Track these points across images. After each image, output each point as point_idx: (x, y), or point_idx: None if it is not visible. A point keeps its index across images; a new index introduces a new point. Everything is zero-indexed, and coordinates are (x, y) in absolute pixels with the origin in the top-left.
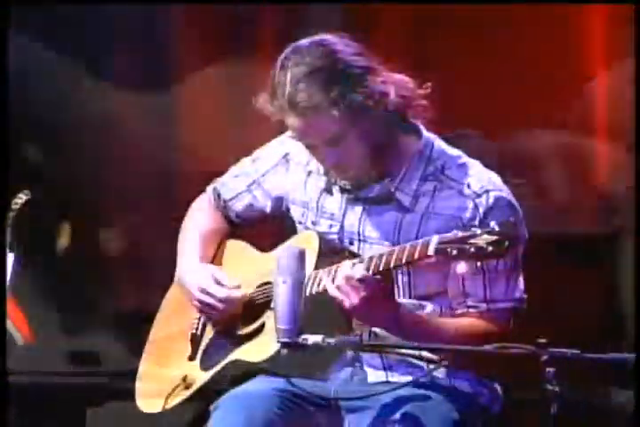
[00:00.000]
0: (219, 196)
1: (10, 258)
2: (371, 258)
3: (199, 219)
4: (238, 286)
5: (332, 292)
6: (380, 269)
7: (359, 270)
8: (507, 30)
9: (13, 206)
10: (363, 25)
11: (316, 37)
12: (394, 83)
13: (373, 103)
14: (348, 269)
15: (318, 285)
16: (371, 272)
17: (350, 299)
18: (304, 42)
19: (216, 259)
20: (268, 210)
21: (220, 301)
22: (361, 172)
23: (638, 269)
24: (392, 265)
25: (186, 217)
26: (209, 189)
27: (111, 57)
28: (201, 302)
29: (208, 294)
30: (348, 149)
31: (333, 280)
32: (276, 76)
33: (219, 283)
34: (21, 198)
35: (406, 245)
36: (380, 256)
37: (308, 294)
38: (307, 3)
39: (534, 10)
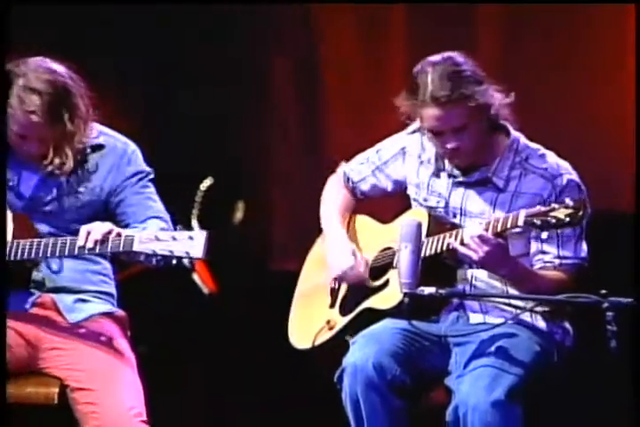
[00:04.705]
0: (348, 179)
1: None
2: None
3: (335, 196)
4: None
5: (462, 249)
6: None
7: (482, 231)
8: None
9: (201, 189)
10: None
11: (445, 54)
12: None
13: (491, 103)
14: (472, 231)
15: (431, 249)
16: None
17: (478, 253)
18: (436, 56)
19: (348, 230)
20: (389, 190)
21: (353, 268)
22: (470, 158)
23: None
24: (490, 233)
25: (324, 193)
26: (339, 171)
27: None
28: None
29: (349, 267)
30: (467, 137)
31: (461, 241)
32: (417, 78)
33: (355, 257)
34: (206, 183)
35: (500, 217)
36: (479, 226)
37: (422, 256)
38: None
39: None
